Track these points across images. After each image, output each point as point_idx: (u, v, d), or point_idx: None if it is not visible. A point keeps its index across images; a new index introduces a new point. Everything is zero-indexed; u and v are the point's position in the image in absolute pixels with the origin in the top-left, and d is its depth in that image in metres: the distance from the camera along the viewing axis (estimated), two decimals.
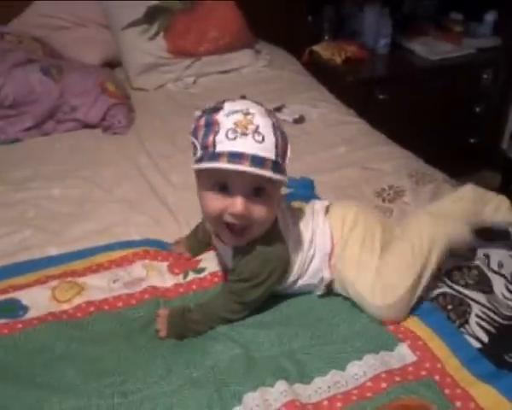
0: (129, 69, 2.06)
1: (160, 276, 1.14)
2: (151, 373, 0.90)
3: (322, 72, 2.25)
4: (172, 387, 0.88)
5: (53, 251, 1.23)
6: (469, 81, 2.46)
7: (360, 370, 0.90)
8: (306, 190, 1.44)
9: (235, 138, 0.87)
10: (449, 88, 2.39)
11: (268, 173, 0.88)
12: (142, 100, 1.97)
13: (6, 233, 1.29)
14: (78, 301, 1.08)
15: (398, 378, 0.87)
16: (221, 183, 0.91)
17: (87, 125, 1.79)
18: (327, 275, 1.05)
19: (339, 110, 1.89)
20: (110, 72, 1.98)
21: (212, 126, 0.90)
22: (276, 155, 0.89)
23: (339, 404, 0.84)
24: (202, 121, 0.93)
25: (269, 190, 0.93)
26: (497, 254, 1.15)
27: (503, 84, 2.56)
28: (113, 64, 2.10)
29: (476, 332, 0.97)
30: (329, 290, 1.07)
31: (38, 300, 1.07)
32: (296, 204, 1.36)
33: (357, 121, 1.82)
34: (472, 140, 2.60)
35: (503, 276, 1.10)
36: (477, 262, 1.14)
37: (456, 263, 1.14)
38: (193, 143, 0.94)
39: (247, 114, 0.89)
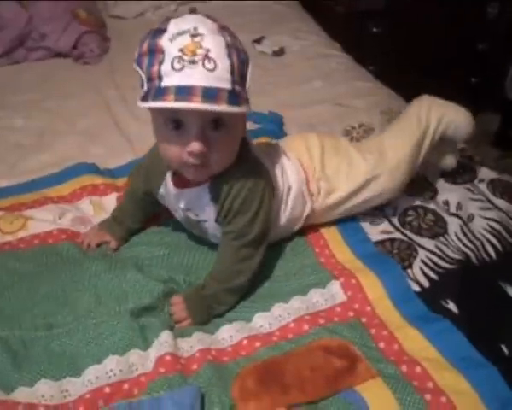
0: None
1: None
2: (80, 306, 0.88)
3: (311, 1, 2.12)
4: (100, 319, 0.86)
5: (3, 183, 1.20)
6: (473, 15, 2.30)
7: (285, 312, 0.87)
8: (274, 126, 1.38)
9: (182, 68, 0.77)
10: (450, 22, 2.24)
11: (223, 108, 0.77)
12: (119, 29, 1.89)
13: None
14: (22, 234, 1.06)
15: (321, 321, 0.84)
16: (174, 119, 0.81)
17: (59, 54, 1.73)
18: (309, 203, 0.99)
19: (322, 43, 1.79)
20: None
21: (155, 54, 0.79)
22: (233, 83, 0.79)
23: (257, 344, 0.82)
24: (145, 46, 0.82)
25: (229, 120, 0.82)
26: (456, 197, 1.10)
27: (509, 20, 2.39)
28: None
29: (418, 277, 0.93)
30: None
31: None
32: (263, 140, 1.33)
33: (340, 55, 1.73)
34: (473, 79, 2.47)
35: (459, 217, 1.06)
36: (435, 206, 1.09)
37: (412, 202, 1.10)
38: (138, 73, 0.84)
39: (194, 35, 0.78)
